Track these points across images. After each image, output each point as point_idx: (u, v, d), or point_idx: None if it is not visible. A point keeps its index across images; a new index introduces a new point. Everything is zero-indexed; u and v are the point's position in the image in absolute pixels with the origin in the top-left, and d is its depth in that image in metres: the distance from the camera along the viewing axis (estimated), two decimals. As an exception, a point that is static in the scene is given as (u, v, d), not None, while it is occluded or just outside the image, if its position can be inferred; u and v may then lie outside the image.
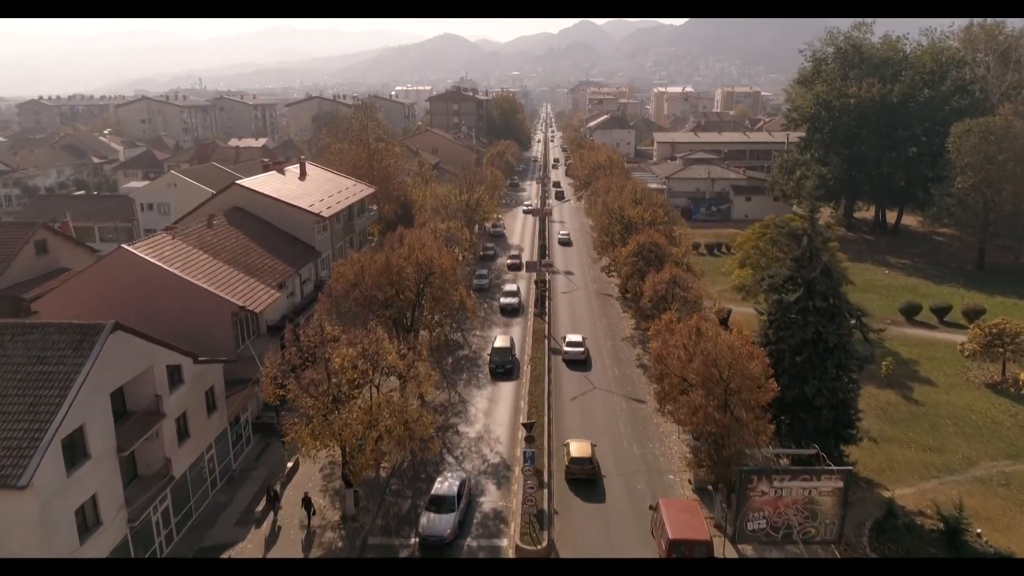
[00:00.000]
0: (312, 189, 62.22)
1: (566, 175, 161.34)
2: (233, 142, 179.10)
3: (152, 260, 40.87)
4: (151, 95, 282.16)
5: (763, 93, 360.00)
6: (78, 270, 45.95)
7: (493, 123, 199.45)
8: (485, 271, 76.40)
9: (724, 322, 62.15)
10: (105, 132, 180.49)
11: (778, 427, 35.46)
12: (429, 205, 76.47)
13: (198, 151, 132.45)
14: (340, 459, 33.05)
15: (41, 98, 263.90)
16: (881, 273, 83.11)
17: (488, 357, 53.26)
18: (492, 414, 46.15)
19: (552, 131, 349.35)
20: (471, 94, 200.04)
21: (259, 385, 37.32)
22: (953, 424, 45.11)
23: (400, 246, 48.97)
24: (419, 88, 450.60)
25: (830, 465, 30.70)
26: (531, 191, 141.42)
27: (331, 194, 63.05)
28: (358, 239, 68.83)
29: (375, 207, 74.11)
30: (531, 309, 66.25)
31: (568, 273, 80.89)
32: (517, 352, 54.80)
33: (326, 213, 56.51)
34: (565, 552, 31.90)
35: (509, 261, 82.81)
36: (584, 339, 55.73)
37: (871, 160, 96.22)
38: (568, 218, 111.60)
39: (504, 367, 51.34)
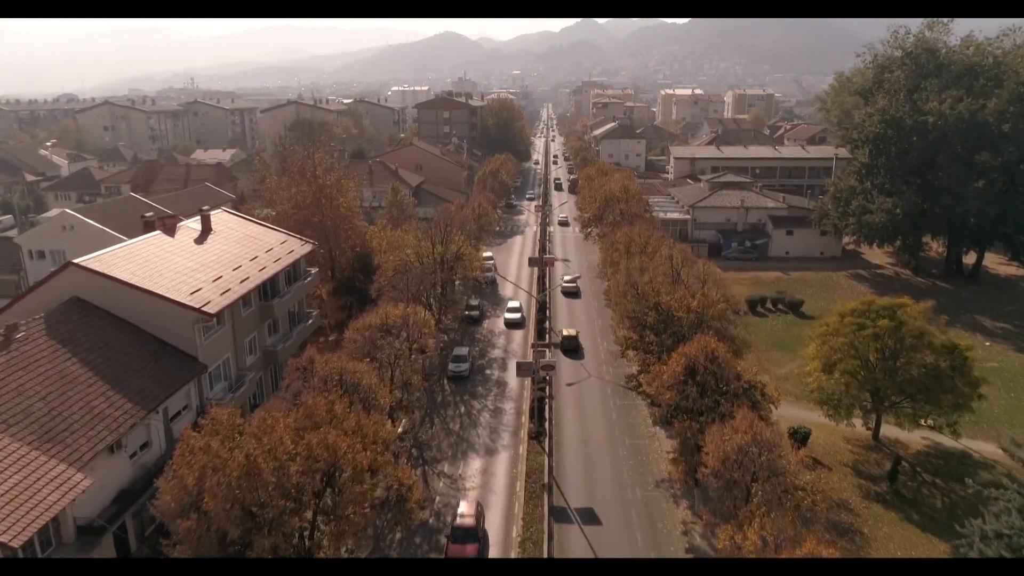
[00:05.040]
0: (212, 258, 43.37)
1: (570, 191, 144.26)
2: (197, 154, 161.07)
3: None
4: (125, 97, 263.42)
5: (775, 95, 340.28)
6: None
7: (488, 132, 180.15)
8: (465, 351, 57.15)
9: (801, 440, 43.48)
10: (48, 144, 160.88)
11: None
12: (392, 262, 57.50)
13: (141, 170, 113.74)
14: None
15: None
16: (981, 345, 63.89)
17: None
18: None
19: (553, 134, 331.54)
20: (464, 100, 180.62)
21: None
22: None
23: (306, 379, 30.11)
24: (416, 88, 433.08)
25: None
26: (529, 215, 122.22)
27: (240, 264, 44.20)
28: (290, 320, 50.04)
29: (316, 269, 55.19)
30: (525, 422, 47.43)
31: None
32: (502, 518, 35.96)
33: (216, 304, 37.61)
34: None
35: (456, 532, 33.61)
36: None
37: (949, 191, 77.23)
38: (572, 252, 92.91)
39: None
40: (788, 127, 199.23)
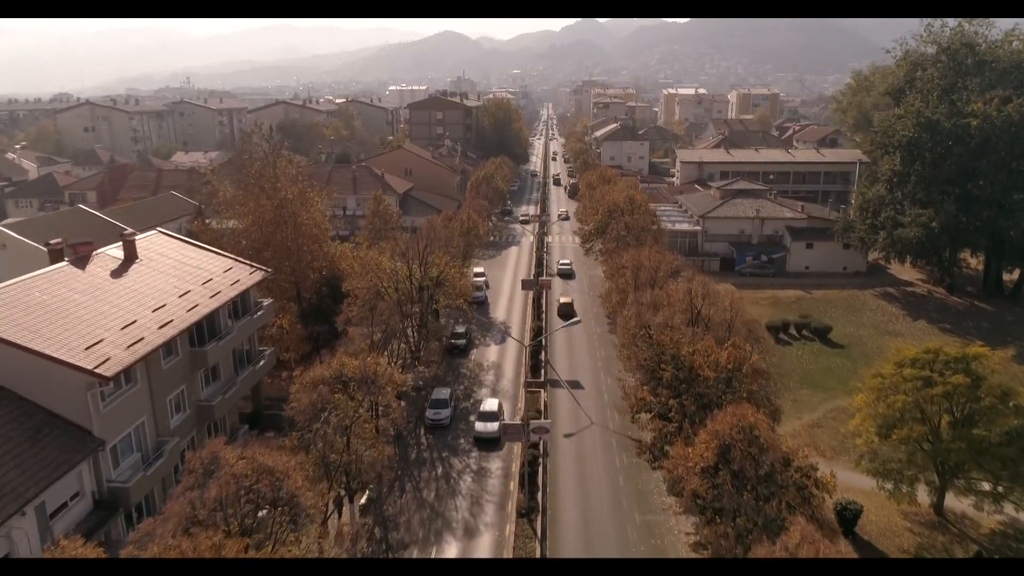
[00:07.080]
0: (129, 296, 35.37)
1: (570, 196, 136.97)
2: (178, 157, 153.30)
3: None
4: (113, 96, 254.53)
5: (780, 95, 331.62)
6: None
7: (484, 134, 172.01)
8: (446, 393, 48.85)
9: (847, 524, 35.47)
10: (17, 146, 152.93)
11: None
12: (362, 289, 49.48)
13: (109, 176, 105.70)
14: None
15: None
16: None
17: None
18: None
19: (553, 134, 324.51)
20: (459, 99, 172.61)
21: None
22: None
23: (206, 480, 22.13)
24: (414, 88, 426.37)
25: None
26: (526, 228, 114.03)
27: (165, 302, 36.18)
28: (236, 362, 42.06)
29: (269, 301, 47.17)
30: (514, 490, 39.39)
31: (574, 385, 53.97)
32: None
33: (117, 363, 29.57)
34: None
35: None
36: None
37: (991, 202, 69.38)
38: (573, 265, 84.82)
39: None
40: (797, 128, 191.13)
